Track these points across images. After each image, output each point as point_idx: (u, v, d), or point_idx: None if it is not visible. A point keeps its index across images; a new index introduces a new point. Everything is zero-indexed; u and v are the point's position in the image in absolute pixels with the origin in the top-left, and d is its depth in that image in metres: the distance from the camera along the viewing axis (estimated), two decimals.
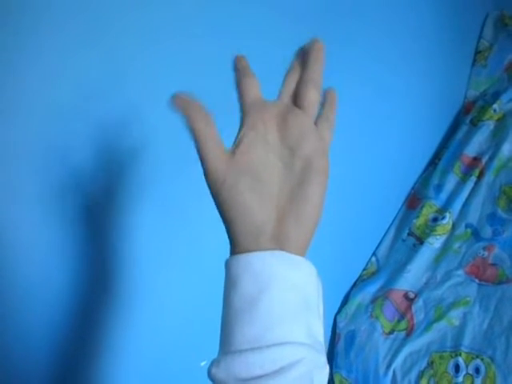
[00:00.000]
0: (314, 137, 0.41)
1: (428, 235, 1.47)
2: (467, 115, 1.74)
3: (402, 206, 1.62)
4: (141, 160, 0.72)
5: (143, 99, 0.69)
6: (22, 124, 0.56)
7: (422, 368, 1.19)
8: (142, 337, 0.77)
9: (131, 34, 0.65)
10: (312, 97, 0.41)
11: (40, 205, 0.60)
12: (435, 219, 1.51)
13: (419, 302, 1.33)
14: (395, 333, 1.29)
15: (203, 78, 0.70)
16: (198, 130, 0.39)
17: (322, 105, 0.43)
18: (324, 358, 0.38)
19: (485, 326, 1.19)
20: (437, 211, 1.53)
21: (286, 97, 0.43)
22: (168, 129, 0.73)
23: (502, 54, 1.79)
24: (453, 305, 1.28)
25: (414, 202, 1.61)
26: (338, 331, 1.37)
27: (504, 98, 1.67)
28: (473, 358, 1.15)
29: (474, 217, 1.48)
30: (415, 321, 1.30)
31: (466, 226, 1.47)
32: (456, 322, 1.24)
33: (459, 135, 1.69)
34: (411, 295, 1.36)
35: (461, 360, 1.16)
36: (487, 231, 1.42)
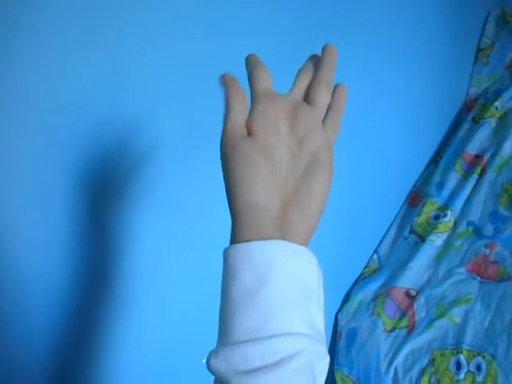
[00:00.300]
0: (321, 133, 0.42)
1: (429, 233, 1.47)
2: (469, 113, 1.74)
3: (404, 203, 1.62)
4: (141, 159, 0.72)
5: (144, 98, 0.69)
6: (21, 121, 0.56)
7: (423, 365, 1.19)
8: (143, 334, 0.77)
9: (132, 31, 0.65)
10: (323, 96, 0.43)
11: (40, 202, 0.60)
12: (437, 217, 1.51)
13: (421, 300, 1.33)
14: (397, 330, 1.29)
15: (203, 77, 0.70)
16: (230, 96, 0.41)
17: (330, 106, 0.44)
18: (324, 348, 0.38)
19: (486, 323, 1.20)
20: (438, 209, 1.53)
21: (298, 93, 0.44)
22: (169, 128, 0.73)
23: (504, 52, 1.79)
24: (454, 302, 1.28)
25: (415, 199, 1.61)
26: (339, 329, 1.37)
27: (506, 95, 1.67)
28: (474, 356, 1.15)
29: (475, 214, 1.48)
30: (417, 318, 1.30)
31: (468, 224, 1.47)
32: (457, 320, 1.24)
33: (461, 133, 1.69)
34: (413, 293, 1.36)
35: (462, 357, 1.16)
36: (489, 229, 1.42)
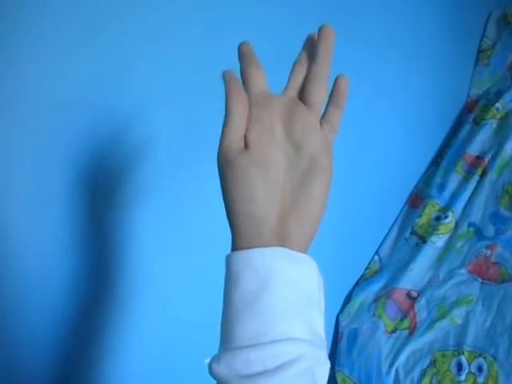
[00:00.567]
0: (318, 135, 0.40)
1: (431, 234, 1.47)
2: (470, 114, 1.74)
3: (405, 205, 1.62)
4: (142, 158, 0.72)
5: (143, 97, 0.69)
6: (21, 121, 0.56)
7: (424, 366, 1.19)
8: (145, 335, 0.78)
9: (131, 31, 0.65)
10: (319, 94, 0.41)
11: (40, 202, 0.60)
12: (438, 218, 1.51)
13: (422, 301, 1.33)
14: (398, 331, 1.29)
15: (203, 76, 0.70)
16: (232, 110, 0.39)
17: (329, 100, 0.42)
18: (325, 354, 0.38)
19: (487, 324, 1.20)
20: (439, 210, 1.53)
21: (293, 90, 0.42)
22: (170, 127, 0.73)
23: (505, 53, 1.79)
24: (455, 303, 1.28)
25: (416, 201, 1.61)
26: (340, 330, 1.37)
27: (507, 96, 1.66)
28: (475, 357, 1.15)
29: (476, 216, 1.48)
30: (418, 319, 1.30)
31: (469, 225, 1.47)
32: (459, 321, 1.24)
33: (462, 134, 1.69)
34: (414, 294, 1.36)
35: (463, 358, 1.16)
36: (490, 230, 1.42)
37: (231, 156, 0.39)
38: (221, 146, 0.40)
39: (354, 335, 1.33)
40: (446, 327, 1.24)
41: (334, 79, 0.43)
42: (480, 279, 1.32)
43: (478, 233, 1.45)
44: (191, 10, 0.73)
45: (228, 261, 0.39)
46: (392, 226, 1.58)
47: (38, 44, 0.56)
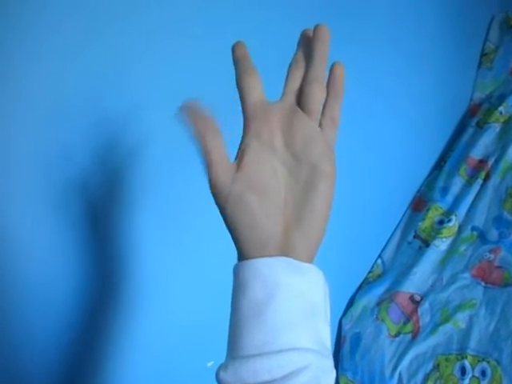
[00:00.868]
0: (319, 142, 0.39)
1: (434, 238, 1.46)
2: (473, 118, 1.74)
3: (408, 208, 1.62)
4: (145, 159, 0.72)
5: (144, 98, 0.69)
6: (21, 121, 0.56)
7: (427, 371, 1.19)
8: (148, 338, 0.78)
9: (132, 31, 0.66)
10: (317, 97, 0.40)
11: (40, 205, 0.60)
12: (441, 222, 1.51)
13: (425, 305, 1.33)
14: (401, 335, 1.29)
15: (204, 77, 0.70)
16: (205, 144, 0.38)
17: (327, 93, 0.41)
18: (331, 363, 0.38)
19: (491, 328, 1.19)
20: (443, 214, 1.53)
21: (290, 94, 0.41)
22: (169, 128, 0.73)
23: (508, 57, 1.79)
24: (459, 307, 1.28)
25: (419, 204, 1.60)
26: (343, 334, 1.37)
27: (510, 100, 1.66)
28: (479, 361, 1.14)
29: (480, 219, 1.48)
30: (421, 323, 1.29)
31: (472, 229, 1.47)
32: (462, 325, 1.23)
33: (465, 138, 1.69)
34: (417, 298, 1.36)
35: (467, 363, 1.15)
36: (493, 234, 1.42)
37: (225, 190, 0.38)
38: (211, 185, 0.39)
39: (356, 339, 1.33)
40: (449, 331, 1.24)
41: (331, 65, 0.41)
42: (483, 283, 1.31)
43: (482, 237, 1.44)
44: (190, 11, 0.73)
45: (236, 270, 0.39)
46: (395, 229, 1.58)
47: (39, 44, 0.56)
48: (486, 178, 1.54)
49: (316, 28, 0.41)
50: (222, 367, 0.37)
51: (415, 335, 1.27)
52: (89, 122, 0.63)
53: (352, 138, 1.19)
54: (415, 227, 1.52)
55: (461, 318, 1.25)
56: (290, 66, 0.43)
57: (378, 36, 1.23)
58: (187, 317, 0.83)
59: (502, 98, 1.70)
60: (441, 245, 1.45)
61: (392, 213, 1.58)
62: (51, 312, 0.64)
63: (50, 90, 0.58)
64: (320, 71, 0.40)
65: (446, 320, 1.26)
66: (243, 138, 0.40)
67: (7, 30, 0.53)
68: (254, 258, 0.38)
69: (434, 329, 1.26)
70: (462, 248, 1.43)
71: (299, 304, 0.37)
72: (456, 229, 1.48)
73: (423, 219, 1.52)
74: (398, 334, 1.29)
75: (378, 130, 1.33)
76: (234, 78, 0.42)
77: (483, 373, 1.12)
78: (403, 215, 1.61)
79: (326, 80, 0.41)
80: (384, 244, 1.55)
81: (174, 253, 0.79)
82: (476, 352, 1.16)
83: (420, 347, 1.24)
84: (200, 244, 0.83)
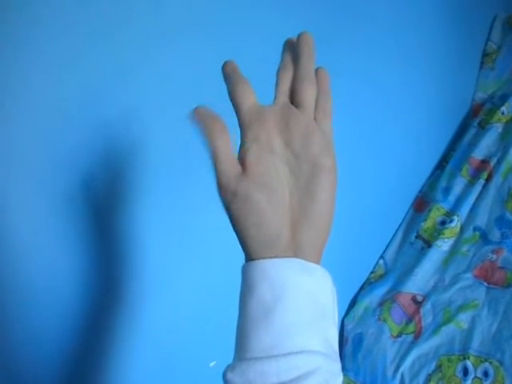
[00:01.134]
0: (316, 136, 0.40)
1: (436, 238, 1.46)
2: (475, 118, 1.74)
3: (410, 208, 1.62)
4: (146, 159, 0.72)
5: (145, 98, 0.69)
6: (23, 123, 0.56)
7: (430, 371, 1.18)
8: (151, 337, 0.78)
9: (133, 35, 0.66)
10: (309, 93, 0.41)
11: (42, 205, 0.60)
12: (443, 222, 1.51)
13: (427, 305, 1.33)
14: (403, 336, 1.29)
15: (204, 77, 0.70)
16: (213, 142, 0.39)
17: (316, 95, 0.42)
18: (339, 367, 0.38)
19: (493, 329, 1.19)
20: (445, 214, 1.53)
21: (283, 95, 0.42)
22: (171, 128, 0.73)
23: (510, 57, 1.79)
24: (461, 308, 1.28)
25: (421, 204, 1.60)
26: (345, 334, 1.37)
27: None
28: (481, 362, 1.14)
29: (482, 220, 1.47)
30: (423, 324, 1.29)
31: (475, 229, 1.47)
32: (464, 326, 1.23)
33: (467, 138, 1.68)
34: (419, 298, 1.36)
35: (469, 363, 1.15)
36: (495, 234, 1.42)
37: (231, 187, 0.38)
38: (218, 182, 0.39)
39: (359, 339, 1.33)
40: (451, 332, 1.23)
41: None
42: (486, 283, 1.31)
43: (484, 237, 1.44)
44: (189, 14, 0.73)
45: (244, 271, 0.39)
46: (397, 230, 1.58)
47: (41, 44, 0.56)
48: (488, 179, 1.54)
49: (300, 35, 0.43)
50: (230, 368, 0.36)
51: (417, 336, 1.27)
52: (90, 124, 0.63)
53: (354, 138, 1.19)
54: (417, 227, 1.52)
55: (463, 319, 1.24)
56: (279, 70, 0.44)
57: (379, 36, 1.23)
58: (189, 317, 0.83)
59: (504, 98, 1.70)
60: (443, 245, 1.45)
61: (394, 213, 1.58)
62: (53, 312, 0.64)
63: (50, 93, 0.58)
64: (309, 69, 0.42)
65: (448, 320, 1.26)
66: (242, 144, 0.40)
67: (7, 35, 0.53)
68: (262, 258, 0.38)
69: (436, 329, 1.26)
70: (464, 248, 1.43)
71: (308, 304, 0.37)
72: (458, 229, 1.48)
73: (425, 219, 1.52)
74: (400, 335, 1.29)
75: (379, 130, 1.33)
76: (227, 89, 0.43)
77: (486, 373, 1.12)
78: (405, 215, 1.61)
79: (314, 78, 0.42)
80: (386, 244, 1.55)
81: (176, 253, 0.79)
82: (478, 352, 1.16)
83: (422, 348, 1.23)
84: (203, 244, 0.83)
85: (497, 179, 1.51)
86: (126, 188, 0.71)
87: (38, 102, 0.57)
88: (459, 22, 1.64)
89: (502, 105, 1.67)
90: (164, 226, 0.76)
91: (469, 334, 1.20)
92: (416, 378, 1.18)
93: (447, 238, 1.46)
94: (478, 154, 1.61)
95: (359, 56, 1.15)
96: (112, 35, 0.63)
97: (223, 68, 0.43)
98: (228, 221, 0.40)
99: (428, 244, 1.47)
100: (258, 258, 0.38)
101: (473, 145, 1.64)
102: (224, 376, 0.37)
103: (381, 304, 1.38)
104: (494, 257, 1.36)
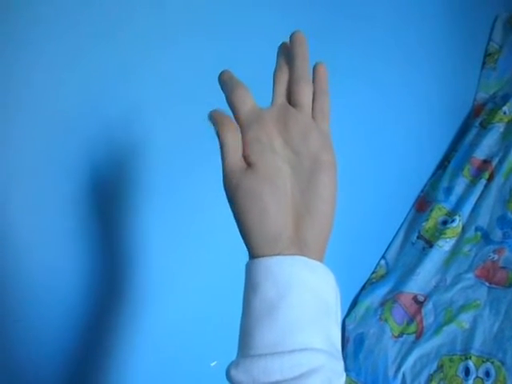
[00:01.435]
0: (315, 134, 0.41)
1: (437, 238, 1.46)
2: (477, 118, 1.74)
3: (411, 208, 1.62)
4: (148, 160, 0.72)
5: (147, 99, 0.69)
6: (26, 122, 0.56)
7: (431, 371, 1.18)
8: (152, 337, 0.78)
9: (134, 36, 0.66)
10: (305, 93, 0.42)
11: (42, 205, 0.60)
12: (445, 222, 1.51)
13: (429, 305, 1.33)
14: (404, 336, 1.29)
15: (206, 78, 0.70)
16: (224, 137, 0.40)
17: (314, 91, 0.43)
18: (342, 366, 0.38)
19: (495, 329, 1.19)
20: (446, 214, 1.53)
21: (280, 97, 0.43)
22: (173, 128, 0.74)
23: None
24: (463, 308, 1.27)
25: (423, 204, 1.60)
26: (346, 334, 1.37)
27: None
28: (483, 362, 1.14)
29: (483, 220, 1.47)
30: (425, 324, 1.29)
31: (476, 229, 1.47)
32: (466, 325, 1.23)
33: (469, 138, 1.68)
34: (421, 298, 1.36)
35: (471, 363, 1.15)
36: (497, 234, 1.42)
37: (235, 179, 0.39)
38: (224, 174, 0.40)
39: (360, 339, 1.33)
40: (453, 332, 1.23)
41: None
42: (487, 283, 1.31)
43: (486, 237, 1.44)
44: (190, 14, 0.74)
45: (248, 268, 0.39)
46: (398, 230, 1.58)
47: (42, 45, 0.56)
48: (490, 178, 1.54)
49: (292, 34, 0.44)
50: (233, 365, 0.37)
51: (419, 336, 1.27)
52: (91, 124, 0.63)
53: (356, 138, 1.19)
54: (419, 227, 1.52)
55: (465, 319, 1.24)
56: (275, 73, 0.45)
57: (380, 36, 1.23)
58: (191, 317, 0.83)
59: (505, 98, 1.70)
60: (444, 245, 1.45)
61: (395, 213, 1.58)
62: (54, 312, 0.64)
63: (52, 93, 0.58)
64: (304, 69, 0.43)
65: (449, 320, 1.26)
66: (244, 145, 0.41)
67: (8, 35, 0.53)
68: (265, 255, 0.38)
69: (437, 329, 1.26)
70: (466, 248, 1.43)
71: (311, 302, 0.37)
72: (460, 229, 1.48)
73: (427, 219, 1.52)
74: (401, 335, 1.29)
75: (381, 131, 1.32)
76: (224, 97, 0.43)
77: (487, 373, 1.12)
78: (407, 215, 1.60)
79: (310, 76, 0.43)
80: (387, 244, 1.55)
81: (178, 253, 0.79)
82: (480, 352, 1.16)
83: (424, 348, 1.23)
84: (205, 244, 0.83)
85: (498, 179, 1.51)
86: (127, 188, 0.71)
87: (39, 101, 0.57)
88: (461, 22, 1.64)
89: (504, 105, 1.67)
90: (166, 226, 0.76)
91: (470, 334, 1.20)
92: (417, 378, 1.18)
93: (449, 237, 1.46)
94: (480, 154, 1.61)
95: (360, 56, 1.15)
96: (114, 35, 0.64)
97: (220, 77, 0.44)
98: (230, 221, 0.40)
99: (429, 244, 1.47)
100: (262, 255, 0.38)
101: (474, 145, 1.64)
102: (227, 373, 0.37)
103: (382, 304, 1.38)
104: (496, 257, 1.36)
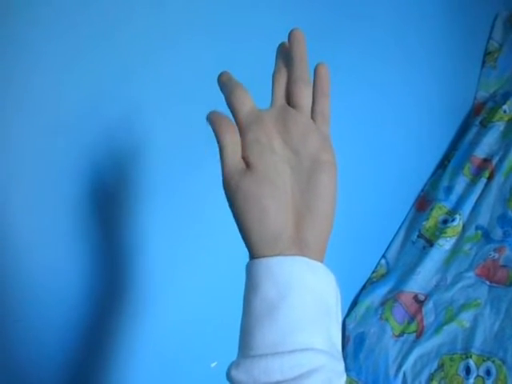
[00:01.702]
0: (314, 134, 0.41)
1: (438, 237, 1.46)
2: (477, 116, 1.74)
3: (412, 207, 1.62)
4: (149, 160, 0.72)
5: (148, 100, 0.69)
6: (26, 123, 0.56)
7: (432, 370, 1.18)
8: (153, 338, 0.78)
9: (135, 37, 0.66)
10: (304, 94, 0.42)
11: (43, 205, 0.60)
12: (445, 221, 1.51)
13: (429, 304, 1.33)
14: (405, 335, 1.29)
15: (207, 79, 0.70)
16: (222, 139, 0.40)
17: (314, 90, 0.43)
18: (342, 366, 0.38)
19: (496, 328, 1.19)
20: (447, 213, 1.53)
21: (279, 98, 0.43)
22: (174, 129, 0.74)
23: None
24: (463, 307, 1.27)
25: (423, 203, 1.60)
26: (347, 333, 1.37)
27: None
28: (484, 360, 1.14)
29: (484, 218, 1.47)
30: (425, 323, 1.29)
31: (477, 228, 1.47)
32: (467, 324, 1.23)
33: (469, 136, 1.68)
34: (421, 297, 1.36)
35: (471, 362, 1.15)
36: (498, 233, 1.42)
37: (235, 181, 0.39)
38: (223, 175, 0.40)
39: (360, 339, 1.33)
40: (453, 331, 1.23)
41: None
42: (488, 282, 1.31)
43: (486, 236, 1.44)
44: (192, 14, 0.73)
45: (248, 268, 0.39)
46: (399, 229, 1.58)
47: (40, 47, 0.56)
48: (490, 177, 1.54)
49: (290, 33, 0.44)
50: (234, 365, 0.37)
51: (419, 335, 1.27)
52: (92, 125, 0.63)
53: (356, 137, 1.19)
54: (419, 227, 1.52)
55: (465, 318, 1.24)
56: (274, 74, 0.45)
57: (380, 35, 1.22)
58: (191, 317, 0.83)
59: (506, 97, 1.70)
60: (445, 244, 1.45)
61: (396, 212, 1.58)
62: (55, 313, 0.64)
63: (52, 94, 0.58)
64: (302, 70, 0.42)
65: (450, 319, 1.26)
66: (243, 146, 0.41)
67: (7, 36, 0.53)
68: (266, 256, 0.38)
69: (438, 328, 1.26)
70: (467, 247, 1.43)
71: (312, 302, 0.37)
72: (460, 228, 1.48)
73: (427, 218, 1.52)
74: (402, 334, 1.29)
75: (381, 130, 1.32)
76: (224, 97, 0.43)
77: (488, 372, 1.12)
78: (407, 215, 1.60)
79: (311, 76, 0.43)
80: (388, 244, 1.55)
81: (178, 253, 0.79)
82: (481, 351, 1.16)
83: (424, 347, 1.23)
84: (205, 244, 0.83)
85: (499, 178, 1.51)
86: (128, 188, 0.71)
87: (39, 102, 0.57)
88: (460, 21, 1.64)
89: (504, 103, 1.67)
90: (166, 226, 0.76)
91: (471, 333, 1.20)
92: (418, 378, 1.18)
93: (449, 236, 1.46)
94: (480, 153, 1.61)
95: (360, 55, 1.15)
96: (113, 36, 0.63)
97: (219, 78, 0.44)
98: (231, 221, 0.40)
99: (430, 243, 1.47)
100: (262, 256, 0.38)
101: (475, 143, 1.64)
102: (228, 373, 0.37)
103: (383, 303, 1.38)
104: (496, 255, 1.36)
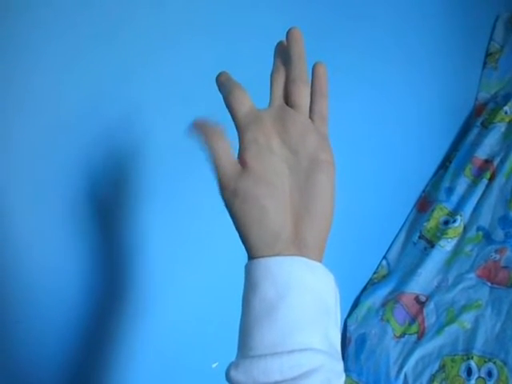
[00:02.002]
0: (313, 134, 0.41)
1: (439, 238, 1.46)
2: (478, 117, 1.74)
3: (413, 209, 1.62)
4: (148, 160, 0.72)
5: (149, 100, 0.69)
6: (26, 123, 0.56)
7: (433, 371, 1.18)
8: (153, 339, 0.78)
9: (135, 37, 0.66)
10: (302, 93, 0.42)
11: (43, 206, 0.60)
12: (446, 222, 1.50)
13: (430, 306, 1.32)
14: (406, 336, 1.28)
15: (207, 79, 0.70)
16: (213, 147, 0.40)
17: (312, 91, 0.43)
18: (341, 367, 0.38)
19: (497, 329, 1.19)
20: (448, 214, 1.53)
21: (278, 98, 0.43)
22: (174, 129, 0.73)
23: None
24: (464, 308, 1.27)
25: (424, 204, 1.60)
26: (348, 334, 1.37)
27: None
28: (485, 362, 1.14)
29: (485, 219, 1.47)
30: (426, 324, 1.29)
31: (478, 229, 1.46)
32: (468, 326, 1.23)
33: (470, 138, 1.68)
34: (422, 298, 1.35)
35: (473, 363, 1.15)
36: (499, 234, 1.42)
37: (232, 184, 0.39)
38: (219, 183, 0.40)
39: (362, 340, 1.33)
40: (454, 332, 1.23)
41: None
42: (489, 283, 1.31)
43: (487, 237, 1.44)
44: (192, 14, 0.74)
45: (247, 269, 0.39)
46: (400, 230, 1.58)
47: (43, 45, 0.56)
48: (492, 178, 1.53)
49: (288, 32, 0.44)
50: (233, 366, 0.37)
51: (420, 336, 1.27)
52: (92, 126, 0.63)
53: (356, 138, 1.19)
54: (420, 228, 1.52)
55: (466, 319, 1.24)
56: (272, 74, 0.45)
57: (381, 36, 1.22)
58: (192, 318, 0.83)
59: (507, 98, 1.70)
60: (446, 245, 1.45)
61: (397, 213, 1.58)
62: (55, 313, 0.64)
63: (52, 94, 0.58)
64: (301, 69, 0.42)
65: (451, 320, 1.26)
66: (241, 146, 0.41)
67: (7, 37, 0.53)
68: (265, 256, 0.38)
69: (439, 329, 1.26)
70: (468, 248, 1.43)
71: (311, 302, 0.37)
72: (461, 229, 1.48)
73: (428, 219, 1.52)
74: (403, 335, 1.29)
75: (382, 131, 1.32)
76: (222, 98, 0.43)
77: (489, 373, 1.12)
78: (408, 216, 1.60)
79: (309, 76, 0.43)
80: (389, 245, 1.55)
81: (178, 253, 0.79)
82: (482, 352, 1.16)
83: (425, 348, 1.23)
84: (205, 244, 0.83)
85: (500, 179, 1.51)
86: (128, 189, 0.71)
87: (39, 102, 0.57)
88: (461, 22, 1.64)
89: (505, 104, 1.67)
90: (166, 226, 0.76)
91: (472, 334, 1.20)
92: (419, 379, 1.18)
93: (450, 237, 1.46)
94: (481, 154, 1.61)
95: (360, 56, 1.15)
96: (114, 37, 0.64)
97: (217, 79, 0.44)
98: (230, 222, 0.40)
99: (431, 244, 1.47)
100: (261, 256, 0.38)
101: (476, 144, 1.64)
102: (227, 374, 0.37)
103: (384, 304, 1.38)
104: (498, 256, 1.35)
